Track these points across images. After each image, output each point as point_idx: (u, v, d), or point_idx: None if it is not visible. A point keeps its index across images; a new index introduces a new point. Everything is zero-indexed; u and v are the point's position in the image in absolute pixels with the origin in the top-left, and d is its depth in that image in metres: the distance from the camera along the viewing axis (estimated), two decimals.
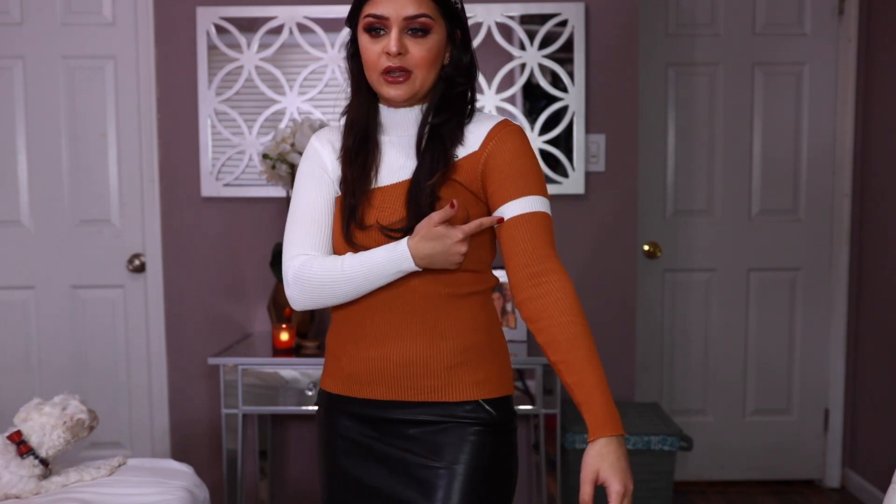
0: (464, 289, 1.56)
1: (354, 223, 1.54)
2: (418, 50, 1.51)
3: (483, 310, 1.59)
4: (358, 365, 1.58)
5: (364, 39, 1.54)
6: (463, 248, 1.50)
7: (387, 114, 1.60)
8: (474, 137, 1.56)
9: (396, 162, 1.57)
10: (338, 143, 1.62)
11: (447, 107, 1.57)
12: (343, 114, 1.64)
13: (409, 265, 1.51)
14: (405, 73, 1.51)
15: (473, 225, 1.50)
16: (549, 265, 1.48)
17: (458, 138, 1.55)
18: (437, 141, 1.55)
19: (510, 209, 1.51)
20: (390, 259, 1.53)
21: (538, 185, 1.53)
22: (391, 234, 1.51)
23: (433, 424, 1.55)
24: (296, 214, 1.61)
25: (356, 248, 1.54)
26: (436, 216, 1.49)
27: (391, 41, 1.49)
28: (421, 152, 1.55)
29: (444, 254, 1.49)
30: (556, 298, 1.46)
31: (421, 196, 1.51)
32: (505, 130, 1.55)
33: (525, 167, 1.54)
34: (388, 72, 1.51)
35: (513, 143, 1.55)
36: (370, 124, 1.59)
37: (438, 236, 1.49)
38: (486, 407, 1.55)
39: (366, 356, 1.57)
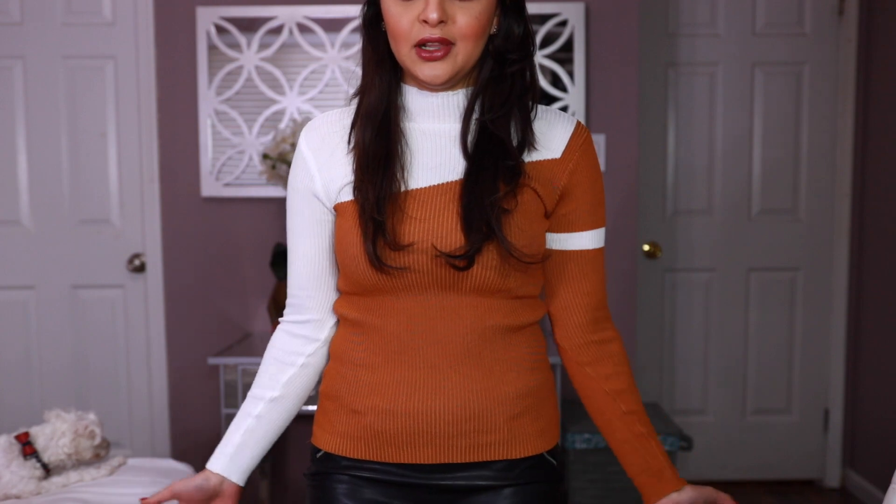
0: (521, 319, 1.28)
1: (385, 241, 1.21)
2: (464, 16, 1.18)
3: (538, 343, 1.32)
4: (394, 422, 1.25)
5: (390, 2, 1.21)
6: None
7: (416, 98, 1.26)
8: (549, 140, 1.27)
9: (432, 158, 1.25)
10: (335, 135, 1.30)
11: (500, 91, 1.25)
12: (355, 96, 1.29)
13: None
14: (445, 45, 1.19)
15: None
16: (608, 312, 1.35)
17: (528, 140, 1.25)
18: (494, 142, 1.24)
19: (582, 241, 1.31)
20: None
21: (604, 212, 1.35)
22: (456, 262, 1.20)
23: (490, 490, 1.27)
24: (288, 241, 1.35)
25: (390, 272, 1.21)
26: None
27: (430, 4, 1.17)
28: (471, 153, 1.24)
29: None
30: (620, 349, 1.34)
31: (480, 211, 1.20)
32: (587, 139, 1.30)
33: (601, 190, 1.32)
34: (423, 44, 1.19)
35: (594, 157, 1.31)
36: (391, 109, 1.26)
37: None
38: (549, 458, 1.32)
39: (406, 411, 1.24)
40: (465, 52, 1.20)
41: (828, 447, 3.67)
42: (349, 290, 1.29)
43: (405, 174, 1.24)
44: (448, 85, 1.24)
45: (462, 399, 1.24)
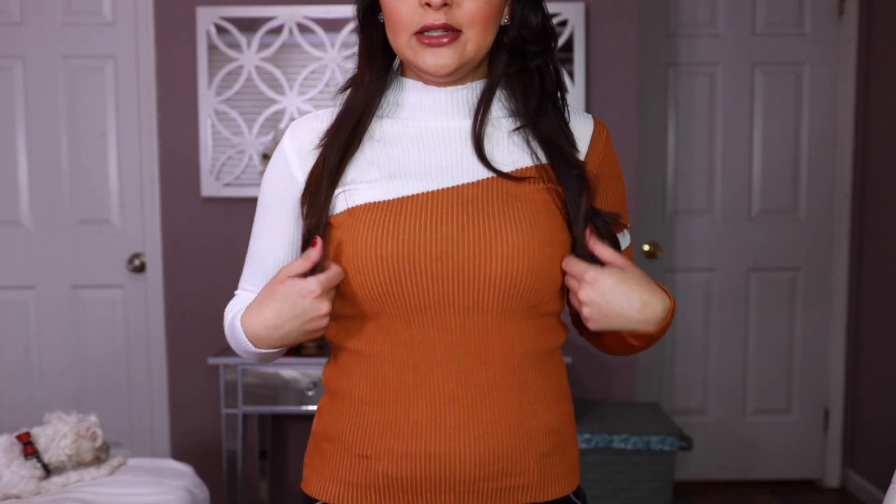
0: (549, 342, 1.14)
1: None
2: (472, 1, 1.07)
3: (563, 371, 1.19)
4: (411, 467, 1.09)
5: None
6: (324, 308, 1.06)
7: (420, 93, 1.14)
8: (573, 139, 1.16)
9: (442, 158, 1.12)
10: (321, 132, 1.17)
11: (531, 89, 1.14)
12: (342, 90, 1.17)
13: (252, 347, 1.12)
14: (451, 32, 1.06)
15: (333, 274, 1.06)
16: None
17: (570, 142, 1.15)
18: (545, 148, 1.12)
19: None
20: (233, 327, 1.15)
21: (628, 212, 1.22)
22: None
23: None
24: (250, 247, 1.26)
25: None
26: (293, 266, 1.07)
27: None
28: (486, 155, 1.11)
29: (297, 319, 1.06)
30: None
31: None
32: (608, 138, 1.19)
33: (623, 188, 1.21)
34: (426, 31, 1.06)
35: (615, 154, 1.20)
36: (370, 108, 1.15)
37: (287, 295, 1.06)
38: (575, 500, 1.18)
39: (426, 453, 1.08)
40: (474, 41, 1.08)
41: (828, 447, 3.67)
42: (349, 314, 1.13)
43: (402, 173, 1.11)
44: (454, 77, 1.12)
45: (489, 437, 1.09)
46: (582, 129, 1.17)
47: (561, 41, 3.13)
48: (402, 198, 1.09)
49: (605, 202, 1.15)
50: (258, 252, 1.23)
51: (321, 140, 1.14)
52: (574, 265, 1.07)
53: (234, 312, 1.19)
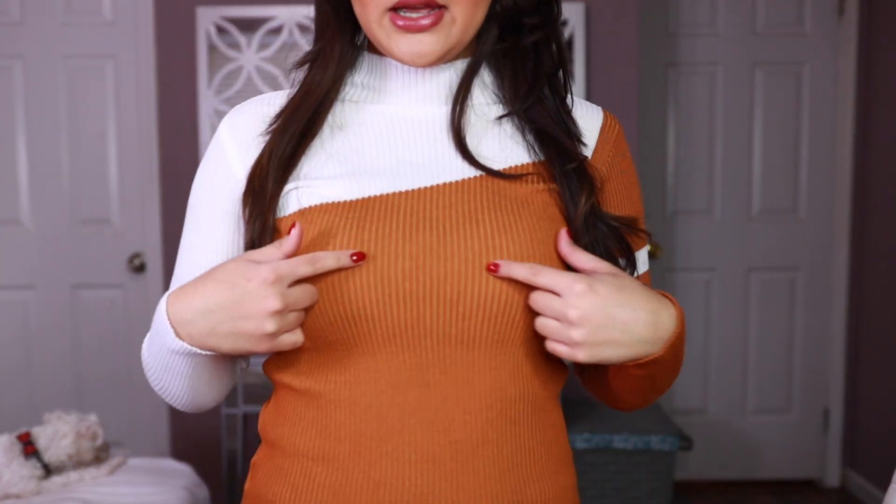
0: (550, 385, 0.92)
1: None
2: None
3: (563, 423, 0.96)
4: None
5: None
6: (270, 301, 0.79)
7: (393, 75, 0.94)
8: (578, 131, 0.95)
9: (419, 153, 0.91)
10: (268, 123, 0.95)
11: (523, 70, 0.93)
12: (301, 64, 0.97)
13: (172, 339, 0.83)
14: (434, 10, 0.85)
15: (297, 261, 0.82)
16: None
17: (573, 133, 0.93)
18: (541, 141, 0.92)
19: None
20: (158, 319, 0.86)
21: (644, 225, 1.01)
22: None
23: None
24: (177, 265, 0.98)
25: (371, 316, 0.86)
26: (257, 251, 0.84)
27: None
28: (468, 148, 0.91)
29: (231, 310, 0.80)
30: None
31: None
32: (620, 132, 0.98)
33: (639, 196, 1.01)
34: (401, 8, 0.85)
35: (629, 154, 0.99)
36: (332, 92, 0.94)
37: (229, 273, 0.81)
38: None
39: None
40: (462, 20, 0.87)
41: (827, 447, 3.68)
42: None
43: (366, 172, 0.90)
44: (437, 64, 0.92)
45: None
46: (589, 120, 0.97)
47: None
48: (368, 198, 0.88)
49: (619, 211, 0.97)
50: (188, 271, 0.94)
51: (269, 125, 0.94)
52: (556, 276, 0.83)
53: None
